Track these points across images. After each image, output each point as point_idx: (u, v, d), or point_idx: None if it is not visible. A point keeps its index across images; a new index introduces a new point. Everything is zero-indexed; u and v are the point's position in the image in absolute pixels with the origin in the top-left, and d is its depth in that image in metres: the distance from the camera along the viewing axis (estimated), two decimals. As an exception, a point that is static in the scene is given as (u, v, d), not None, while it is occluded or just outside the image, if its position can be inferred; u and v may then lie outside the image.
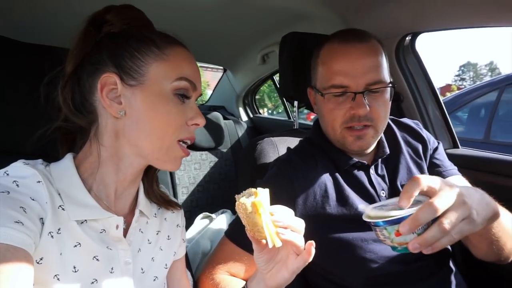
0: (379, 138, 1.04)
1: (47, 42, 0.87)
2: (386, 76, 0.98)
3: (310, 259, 0.68)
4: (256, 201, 0.63)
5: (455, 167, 1.10)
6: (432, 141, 1.13)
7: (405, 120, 1.19)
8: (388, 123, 1.15)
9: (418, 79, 1.53)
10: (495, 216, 0.77)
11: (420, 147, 1.11)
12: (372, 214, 0.70)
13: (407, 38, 1.45)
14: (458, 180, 1.06)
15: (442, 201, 0.64)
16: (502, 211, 0.83)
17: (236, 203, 0.65)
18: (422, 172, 1.06)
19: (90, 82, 0.70)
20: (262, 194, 0.66)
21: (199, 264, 1.45)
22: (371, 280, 0.94)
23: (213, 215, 1.81)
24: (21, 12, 1.40)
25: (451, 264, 1.01)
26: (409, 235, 0.65)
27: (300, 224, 0.68)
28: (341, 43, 0.99)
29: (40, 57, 0.85)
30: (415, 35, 1.45)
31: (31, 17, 1.44)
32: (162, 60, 0.71)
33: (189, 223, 1.74)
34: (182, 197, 2.28)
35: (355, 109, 0.94)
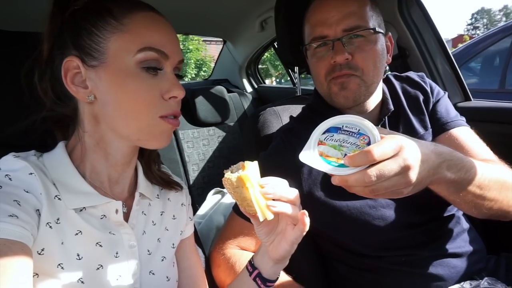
0: (370, 90, 0.96)
1: (21, 28, 0.83)
2: (371, 23, 0.92)
3: (307, 229, 0.66)
4: (242, 175, 0.60)
5: (463, 118, 1.04)
6: (436, 92, 1.06)
7: (408, 73, 1.13)
8: (389, 78, 1.10)
9: (424, 32, 1.44)
10: (447, 182, 0.70)
11: (420, 98, 1.04)
12: (312, 155, 0.64)
13: (410, -11, 1.36)
14: (465, 131, 1.00)
15: (380, 151, 0.56)
16: (487, 172, 0.76)
17: (223, 178, 0.63)
18: (425, 128, 1.01)
19: (60, 69, 0.66)
20: (250, 168, 0.63)
21: (213, 239, 1.47)
22: (380, 245, 0.93)
23: (224, 190, 1.81)
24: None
25: (463, 221, 0.99)
26: None
27: (292, 194, 0.66)
28: None
29: (16, 45, 0.82)
30: (418, -16, 1.36)
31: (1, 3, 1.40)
32: (120, 31, 0.64)
33: (202, 199, 1.75)
34: (193, 174, 2.29)
35: (334, 57, 0.91)
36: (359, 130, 0.63)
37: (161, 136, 0.70)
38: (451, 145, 0.92)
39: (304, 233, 0.67)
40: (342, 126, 0.65)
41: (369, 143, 0.60)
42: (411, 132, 0.99)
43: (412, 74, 1.11)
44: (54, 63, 0.67)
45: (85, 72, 0.65)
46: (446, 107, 1.04)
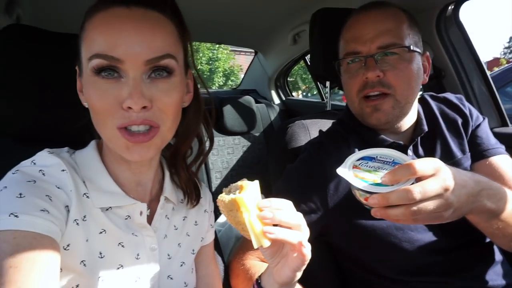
0: (404, 111, 0.94)
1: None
2: (407, 41, 0.91)
3: (307, 259, 0.61)
4: (237, 198, 0.55)
5: (502, 146, 1.00)
6: (475, 116, 1.03)
7: (445, 94, 1.10)
8: (426, 99, 1.08)
9: (462, 53, 1.41)
10: (487, 211, 0.71)
11: (459, 121, 1.01)
12: (348, 173, 0.65)
13: (449, 8, 1.34)
14: (505, 160, 0.97)
15: (422, 166, 0.58)
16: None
17: (217, 199, 0.58)
18: (463, 152, 0.98)
19: None
20: (249, 189, 0.58)
21: (232, 248, 1.46)
22: (406, 269, 0.89)
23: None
24: (50, 2, 1.43)
25: (496, 253, 0.94)
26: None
27: (295, 219, 0.59)
28: (356, 13, 0.96)
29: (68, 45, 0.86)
30: (458, 4, 1.33)
31: (60, 6, 1.47)
32: (82, 40, 0.63)
33: (223, 207, 1.76)
34: (216, 181, 2.30)
35: (366, 74, 0.90)
36: (393, 160, 0.65)
37: (127, 150, 0.63)
38: (490, 173, 0.92)
39: (306, 263, 0.62)
40: (377, 156, 0.66)
41: None
42: (448, 154, 0.96)
43: (450, 96, 1.08)
44: None
45: (79, 82, 0.68)
46: (487, 133, 1.01)
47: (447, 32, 1.39)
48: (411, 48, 0.90)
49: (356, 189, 0.64)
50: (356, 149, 0.94)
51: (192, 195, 0.82)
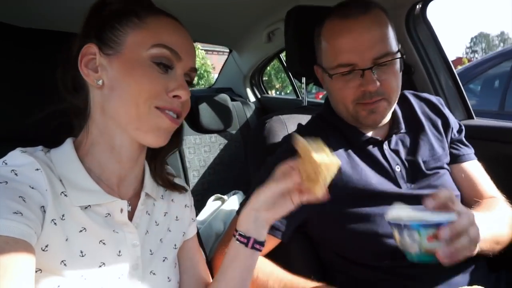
0: (392, 109, 1.01)
1: (61, 28, 0.87)
2: (394, 46, 0.94)
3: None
4: (329, 164, 0.67)
5: (472, 150, 1.10)
6: (453, 121, 1.11)
7: (425, 94, 1.16)
8: (406, 96, 1.13)
9: (430, 50, 1.47)
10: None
11: (439, 122, 1.08)
12: (403, 214, 0.68)
13: (417, 6, 1.39)
14: (476, 166, 1.07)
15: (472, 215, 0.69)
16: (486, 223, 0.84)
17: (317, 158, 0.66)
18: (443, 149, 1.04)
19: (77, 56, 0.69)
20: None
21: (212, 246, 1.46)
22: (382, 255, 0.93)
23: (225, 197, 1.81)
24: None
25: None
26: (438, 243, 0.64)
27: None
28: (343, 18, 0.94)
29: (53, 44, 0.84)
30: (425, 3, 1.39)
31: (44, 3, 1.42)
32: (140, 28, 0.68)
33: (201, 205, 1.75)
34: (193, 180, 2.29)
35: (365, 86, 0.92)
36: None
37: (158, 131, 0.69)
38: (463, 177, 1.04)
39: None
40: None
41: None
42: (431, 150, 1.02)
43: (431, 97, 1.14)
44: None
45: (99, 59, 0.68)
46: (463, 140, 1.10)
47: (415, 29, 1.45)
48: (401, 55, 0.95)
49: (419, 228, 0.66)
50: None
51: (173, 189, 0.85)
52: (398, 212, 0.71)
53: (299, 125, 1.16)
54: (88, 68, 0.68)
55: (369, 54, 0.91)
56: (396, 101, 1.00)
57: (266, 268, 0.97)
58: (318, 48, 1.04)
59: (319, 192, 0.70)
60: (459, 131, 1.11)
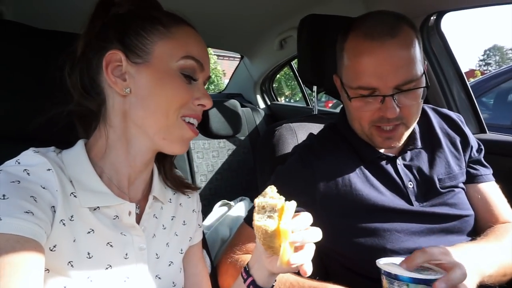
0: (409, 133, 0.98)
1: (64, 29, 0.87)
2: (419, 70, 0.89)
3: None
4: (282, 230, 0.55)
5: (490, 171, 1.07)
6: (473, 140, 1.08)
7: (446, 111, 1.13)
8: (425, 110, 1.10)
9: (443, 62, 1.46)
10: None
11: (458, 139, 1.06)
12: (394, 269, 0.69)
13: (431, 18, 1.39)
14: (494, 187, 1.05)
15: (463, 268, 0.68)
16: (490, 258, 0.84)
17: (255, 223, 0.57)
18: (460, 167, 1.02)
19: (97, 62, 0.69)
20: (288, 212, 0.58)
21: (218, 251, 1.46)
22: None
23: (231, 203, 1.81)
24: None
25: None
26: None
27: (315, 236, 0.63)
28: (368, 39, 0.88)
29: (56, 43, 0.85)
30: (440, 14, 1.38)
31: (48, 3, 1.44)
32: (167, 38, 0.69)
33: (207, 210, 1.75)
34: (200, 185, 2.29)
35: (384, 112, 0.89)
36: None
37: (182, 141, 0.73)
38: (479, 198, 1.01)
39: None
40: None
41: None
42: (447, 168, 1.00)
43: (451, 113, 1.12)
44: (90, 57, 0.70)
45: (126, 66, 0.68)
46: (482, 161, 1.08)
47: (429, 41, 1.44)
48: (426, 82, 0.91)
49: (410, 281, 0.66)
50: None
51: (183, 189, 0.86)
52: (391, 260, 0.73)
53: (310, 134, 1.15)
54: (114, 75, 0.68)
55: (392, 81, 0.87)
56: (415, 123, 0.97)
57: None
58: (340, 60, 1.00)
59: (284, 258, 0.57)
60: (479, 151, 1.08)
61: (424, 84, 0.91)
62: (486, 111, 3.81)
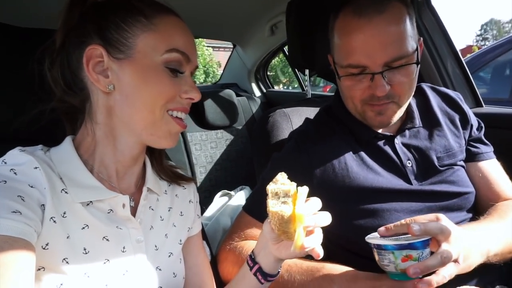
0: (403, 111, 0.97)
1: (40, 25, 0.85)
2: (410, 46, 0.87)
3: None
4: (298, 215, 0.56)
5: (491, 148, 1.06)
6: (473, 118, 1.07)
7: (444, 89, 1.12)
8: (423, 89, 1.09)
9: (436, 38, 1.44)
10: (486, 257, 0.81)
11: (457, 117, 1.05)
12: (380, 240, 0.72)
13: (421, -7, 1.36)
14: (495, 165, 1.04)
15: (449, 257, 0.69)
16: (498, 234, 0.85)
17: (270, 209, 0.58)
18: (460, 145, 1.01)
19: (77, 56, 0.67)
20: (301, 197, 0.59)
21: (220, 241, 1.46)
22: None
23: (231, 192, 1.81)
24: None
25: None
26: (412, 262, 0.68)
27: (325, 220, 0.64)
28: (356, 15, 0.87)
29: (33, 41, 0.84)
30: (430, -11, 1.36)
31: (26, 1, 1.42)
32: (150, 30, 0.67)
33: (208, 201, 1.75)
34: (200, 176, 2.29)
35: (373, 90, 0.89)
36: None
37: (170, 135, 0.72)
38: (480, 176, 1.01)
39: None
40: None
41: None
42: (446, 146, 0.99)
43: (449, 91, 1.10)
44: (69, 51, 0.68)
45: (107, 62, 0.66)
46: (483, 138, 1.07)
47: (420, 17, 1.42)
48: (416, 59, 0.89)
49: (393, 249, 0.69)
50: None
51: (178, 180, 0.85)
52: (377, 234, 0.76)
53: (307, 119, 1.14)
54: (96, 72, 0.66)
55: (381, 58, 0.86)
56: (408, 101, 0.96)
57: None
58: (331, 40, 0.99)
59: (299, 243, 0.58)
60: (479, 129, 1.07)
61: (416, 61, 0.89)
62: (484, 85, 3.78)
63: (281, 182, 0.62)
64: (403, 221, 0.75)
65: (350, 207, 0.93)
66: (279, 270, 0.74)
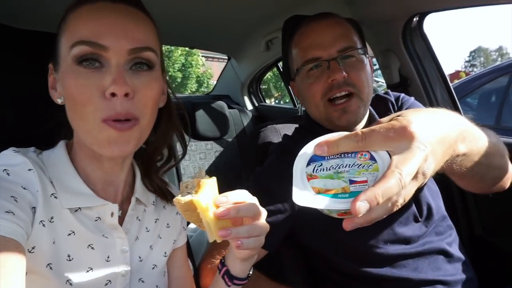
0: (367, 109, 1.01)
1: (47, 29, 0.85)
2: (359, 44, 0.98)
3: (261, 245, 0.65)
4: (193, 200, 0.55)
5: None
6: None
7: (397, 93, 1.17)
8: (383, 97, 1.14)
9: (426, 63, 1.48)
10: (464, 154, 0.59)
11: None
12: (308, 196, 0.51)
13: (414, 19, 1.40)
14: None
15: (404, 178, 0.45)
16: (488, 138, 0.65)
17: (174, 199, 0.58)
18: None
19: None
20: (206, 188, 0.58)
21: (204, 254, 1.45)
22: (371, 261, 0.93)
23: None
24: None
25: (456, 249, 0.99)
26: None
27: (250, 211, 0.61)
28: (307, 24, 1.01)
29: (41, 44, 0.84)
30: (422, 16, 1.40)
31: (30, 3, 1.42)
32: (64, 31, 0.63)
33: (194, 212, 1.74)
34: (187, 187, 2.27)
35: (332, 76, 0.93)
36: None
37: (109, 144, 0.61)
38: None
39: (261, 246, 0.65)
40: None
41: (372, 158, 0.49)
42: None
43: (404, 96, 1.15)
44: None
45: (56, 77, 0.67)
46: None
47: (412, 42, 1.46)
48: (365, 52, 0.99)
49: (329, 212, 0.50)
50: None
51: (163, 198, 0.82)
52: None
53: (285, 135, 1.17)
54: (53, 88, 0.68)
55: (333, 47, 0.95)
56: (370, 101, 1.01)
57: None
58: (290, 60, 1.07)
59: (211, 233, 0.58)
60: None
61: (367, 63, 0.99)
62: (470, 111, 3.87)
63: (196, 177, 0.61)
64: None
65: (328, 221, 0.93)
66: (249, 274, 0.74)
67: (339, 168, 0.50)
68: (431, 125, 0.49)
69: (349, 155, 0.50)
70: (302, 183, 0.51)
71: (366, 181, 0.48)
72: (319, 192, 0.49)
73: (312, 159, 0.52)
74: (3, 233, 0.51)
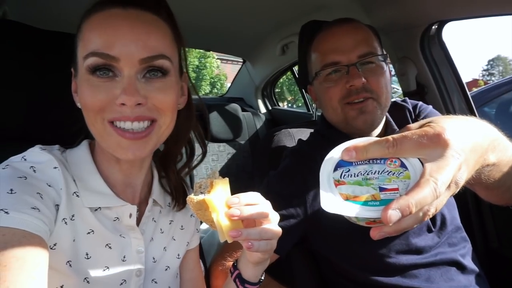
0: (384, 114, 1.00)
1: (68, 30, 0.86)
2: (379, 51, 0.98)
3: (273, 248, 0.66)
4: (206, 199, 0.57)
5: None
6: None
7: (417, 102, 1.17)
8: (400, 104, 1.13)
9: (444, 71, 1.46)
10: (493, 163, 0.57)
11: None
12: (336, 201, 0.48)
13: (433, 27, 1.38)
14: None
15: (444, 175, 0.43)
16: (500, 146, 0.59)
17: (187, 198, 0.59)
18: None
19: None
20: (218, 188, 0.59)
21: (214, 255, 1.45)
22: (382, 269, 0.92)
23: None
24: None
25: (470, 262, 0.96)
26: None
27: (261, 211, 0.61)
28: (327, 28, 1.01)
29: (59, 44, 0.85)
30: (441, 24, 1.38)
31: (52, 3, 1.45)
32: (79, 40, 0.64)
33: (205, 214, 1.74)
34: (199, 188, 2.28)
35: (351, 81, 0.93)
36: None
37: (120, 148, 0.63)
38: None
39: (273, 249, 0.65)
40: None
41: (402, 165, 0.47)
42: None
43: (422, 105, 1.15)
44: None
45: (75, 82, 0.68)
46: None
47: (430, 50, 1.44)
48: (385, 59, 0.98)
49: (357, 220, 0.49)
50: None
51: (179, 199, 0.83)
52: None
53: (300, 140, 1.16)
54: (75, 92, 0.69)
55: (354, 53, 0.94)
56: (388, 106, 1.00)
57: None
58: (309, 65, 1.07)
59: (222, 238, 0.59)
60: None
61: (387, 70, 0.99)
62: (488, 121, 3.79)
63: (209, 177, 0.62)
64: None
65: (340, 228, 0.92)
66: (261, 279, 0.74)
67: (367, 174, 0.48)
68: (464, 133, 0.47)
69: (378, 161, 0.48)
70: (330, 189, 0.49)
71: (397, 189, 0.46)
72: (347, 198, 0.47)
73: (339, 164, 0.50)
74: (29, 229, 0.52)
